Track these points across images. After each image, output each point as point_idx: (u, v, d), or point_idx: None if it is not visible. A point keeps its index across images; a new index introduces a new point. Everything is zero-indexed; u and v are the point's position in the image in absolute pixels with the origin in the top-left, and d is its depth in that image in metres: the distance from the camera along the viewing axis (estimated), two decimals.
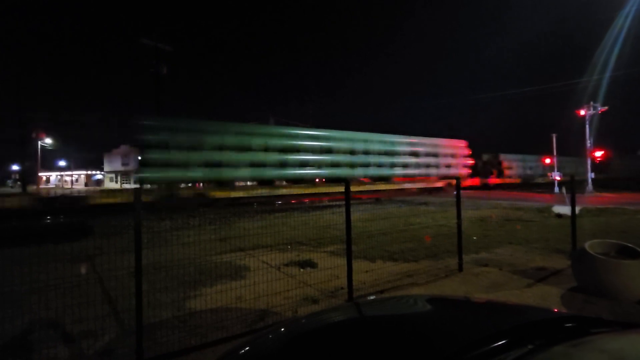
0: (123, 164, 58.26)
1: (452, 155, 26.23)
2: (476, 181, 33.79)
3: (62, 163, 63.71)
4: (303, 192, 23.56)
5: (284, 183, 22.53)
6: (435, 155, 24.94)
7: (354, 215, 4.76)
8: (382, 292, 4.80)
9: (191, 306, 4.38)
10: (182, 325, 3.83)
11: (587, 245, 4.59)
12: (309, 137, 20.59)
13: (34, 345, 3.42)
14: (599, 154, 27.90)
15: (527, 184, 38.08)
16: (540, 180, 39.12)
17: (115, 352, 3.30)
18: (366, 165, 21.42)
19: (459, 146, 27.19)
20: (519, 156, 39.43)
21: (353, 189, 20.48)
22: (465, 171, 27.35)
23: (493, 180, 35.11)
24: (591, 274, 4.44)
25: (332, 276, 5.26)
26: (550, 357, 1.00)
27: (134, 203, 3.14)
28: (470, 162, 27.80)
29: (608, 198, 20.42)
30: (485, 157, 37.41)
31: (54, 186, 66.14)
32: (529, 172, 39.25)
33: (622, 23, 44.16)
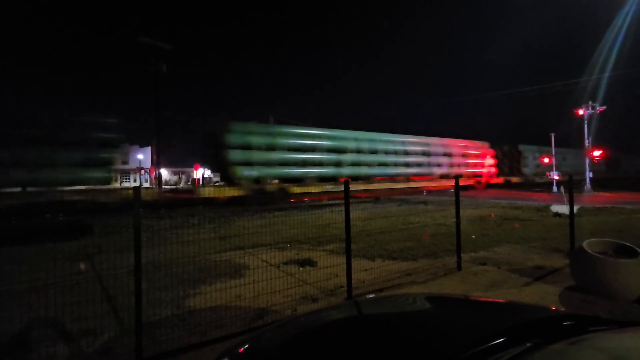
0: (123, 163, 56.61)
1: None
2: None
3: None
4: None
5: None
6: None
7: (353, 214, 4.77)
8: (381, 290, 4.81)
9: (190, 304, 4.38)
10: (181, 323, 3.83)
11: (585, 244, 4.61)
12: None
13: (33, 344, 3.42)
14: (597, 153, 27.92)
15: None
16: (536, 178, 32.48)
17: (114, 351, 3.30)
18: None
19: None
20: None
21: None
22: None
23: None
24: (589, 272, 4.45)
25: (331, 275, 5.27)
26: (548, 356, 1.01)
27: (133, 201, 3.14)
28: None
29: (606, 197, 20.47)
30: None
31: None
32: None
33: (621, 22, 44.16)
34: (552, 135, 31.21)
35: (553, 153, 31.01)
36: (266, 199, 18.10)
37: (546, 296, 4.52)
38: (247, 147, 18.68)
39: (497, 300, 1.98)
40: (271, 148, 19.49)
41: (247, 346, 1.52)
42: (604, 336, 1.21)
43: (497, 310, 1.64)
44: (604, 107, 28.17)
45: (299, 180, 20.42)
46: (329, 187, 21.10)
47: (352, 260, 4.59)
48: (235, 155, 18.24)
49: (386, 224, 9.60)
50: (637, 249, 4.42)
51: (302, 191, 20.35)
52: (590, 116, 28.00)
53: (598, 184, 28.03)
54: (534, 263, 6.05)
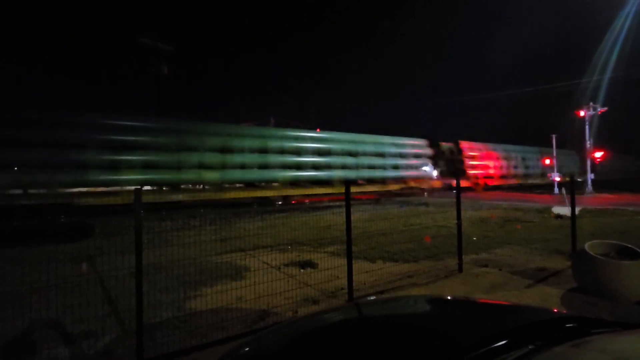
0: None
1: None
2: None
3: None
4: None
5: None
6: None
7: (354, 216, 4.76)
8: (382, 292, 4.81)
9: (191, 306, 4.38)
10: (182, 325, 3.83)
11: (586, 246, 4.60)
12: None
13: (34, 345, 3.42)
14: (598, 154, 27.83)
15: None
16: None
17: (115, 352, 3.30)
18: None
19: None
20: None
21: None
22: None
23: None
24: (591, 274, 4.44)
25: (332, 276, 5.26)
26: (550, 358, 1.00)
27: (134, 203, 3.14)
28: None
29: (608, 199, 20.41)
30: None
31: None
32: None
33: (622, 23, 44.09)
34: (554, 136, 31.18)
35: (554, 155, 30.95)
36: (469, 189, 28.29)
37: (548, 298, 4.50)
38: (467, 157, 30.15)
39: (499, 302, 1.98)
40: (472, 157, 30.73)
41: (248, 348, 1.52)
42: (606, 338, 1.21)
43: (498, 312, 1.63)
44: (606, 108, 28.14)
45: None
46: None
47: (353, 262, 4.59)
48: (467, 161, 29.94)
49: (387, 226, 9.59)
50: (639, 250, 4.41)
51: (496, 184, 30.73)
52: (592, 117, 27.95)
53: (600, 185, 27.96)
54: (536, 265, 6.03)
